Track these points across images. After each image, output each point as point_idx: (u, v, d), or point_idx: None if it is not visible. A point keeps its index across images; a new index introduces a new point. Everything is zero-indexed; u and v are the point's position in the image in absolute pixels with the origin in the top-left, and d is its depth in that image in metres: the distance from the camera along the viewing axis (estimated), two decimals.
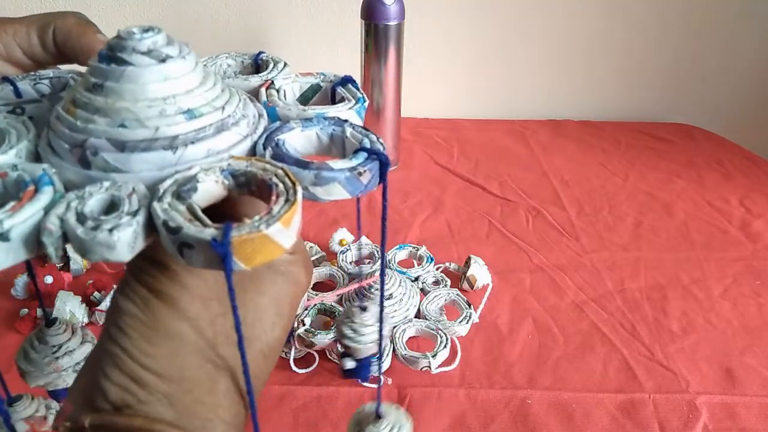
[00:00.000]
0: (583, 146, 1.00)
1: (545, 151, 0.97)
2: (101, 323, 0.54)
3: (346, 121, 0.26)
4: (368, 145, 0.24)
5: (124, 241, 0.19)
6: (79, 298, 0.54)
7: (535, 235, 0.72)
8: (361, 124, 0.27)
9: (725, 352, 0.55)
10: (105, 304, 0.54)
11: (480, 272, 0.61)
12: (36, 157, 0.24)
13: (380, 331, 0.31)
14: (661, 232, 0.74)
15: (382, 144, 0.24)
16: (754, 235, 0.75)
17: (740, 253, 0.71)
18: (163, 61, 0.22)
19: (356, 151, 0.24)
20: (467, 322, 0.54)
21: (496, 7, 1.03)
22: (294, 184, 0.21)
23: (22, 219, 0.19)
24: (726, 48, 1.11)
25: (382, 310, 0.30)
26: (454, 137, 1.00)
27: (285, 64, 0.31)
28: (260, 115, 0.26)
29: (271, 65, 0.31)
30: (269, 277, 0.25)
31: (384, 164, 0.23)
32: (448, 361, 0.51)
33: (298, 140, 0.25)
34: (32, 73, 0.30)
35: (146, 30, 0.23)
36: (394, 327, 0.53)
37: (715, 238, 0.74)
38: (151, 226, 0.20)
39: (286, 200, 0.20)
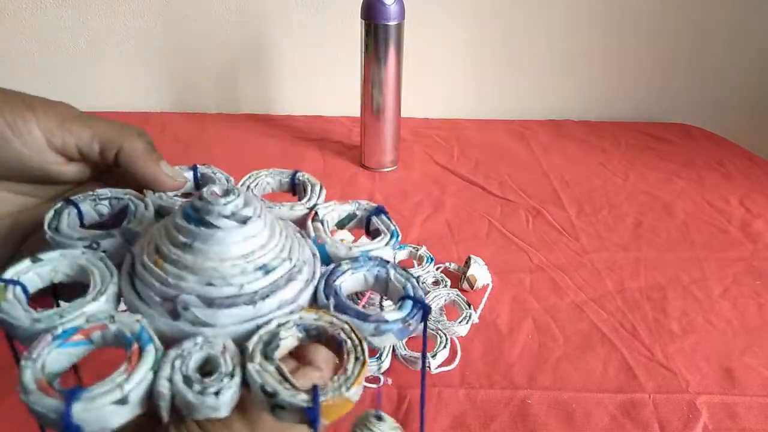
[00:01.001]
0: (583, 146, 1.00)
1: (545, 151, 0.97)
2: None
3: (388, 262, 0.29)
4: (411, 292, 0.27)
5: (226, 402, 0.21)
6: None
7: (535, 235, 0.72)
8: (394, 258, 0.31)
9: (725, 352, 0.55)
10: None
11: (480, 272, 0.61)
12: (118, 297, 0.26)
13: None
14: (661, 232, 0.74)
15: (422, 288, 0.27)
16: (754, 235, 0.75)
17: (740, 253, 0.71)
18: (244, 222, 0.25)
19: (403, 299, 0.27)
20: (467, 323, 0.54)
21: (496, 7, 1.03)
22: (360, 341, 0.24)
23: (137, 381, 0.21)
24: (726, 48, 1.11)
25: None
26: (454, 137, 1.00)
27: (321, 187, 0.34)
28: (314, 255, 0.29)
29: (309, 188, 0.34)
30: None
31: (426, 313, 0.26)
32: (448, 361, 0.51)
33: (350, 282, 0.28)
34: (90, 192, 0.31)
35: (227, 193, 0.25)
36: None
37: (715, 238, 0.74)
38: (243, 382, 0.22)
39: (356, 358, 0.23)
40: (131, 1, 1.00)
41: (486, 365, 0.52)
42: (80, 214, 0.30)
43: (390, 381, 0.49)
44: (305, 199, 0.33)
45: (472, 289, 0.60)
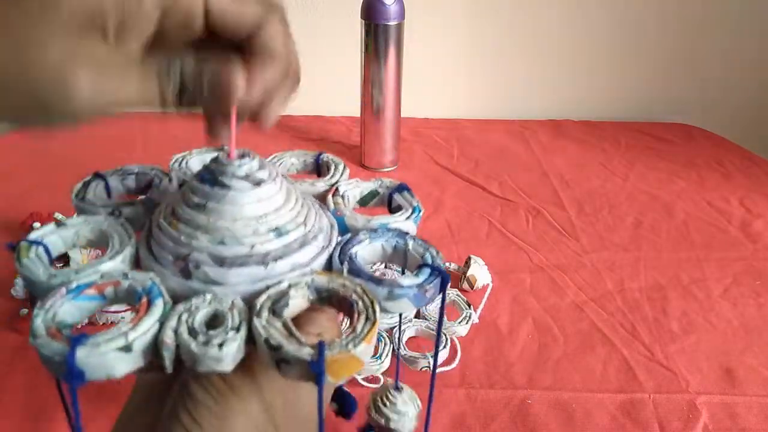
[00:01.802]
0: (583, 146, 1.00)
1: (545, 151, 0.97)
2: (101, 323, 0.54)
3: (407, 233, 0.29)
4: (430, 261, 0.27)
5: (230, 354, 0.21)
6: None
7: (535, 235, 0.72)
8: (415, 232, 0.31)
9: (725, 352, 0.55)
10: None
11: (480, 272, 0.60)
12: (135, 260, 0.26)
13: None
14: (661, 232, 0.74)
15: (441, 257, 0.27)
16: (754, 235, 0.75)
17: (740, 253, 0.71)
18: (257, 184, 0.25)
19: (421, 267, 0.27)
20: (467, 323, 0.54)
21: (496, 7, 1.03)
22: (372, 302, 0.23)
23: (142, 331, 0.21)
24: (726, 48, 1.11)
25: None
26: (454, 137, 1.00)
27: (344, 167, 0.35)
28: (332, 226, 0.29)
29: (332, 167, 0.34)
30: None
31: (445, 281, 0.26)
32: (448, 361, 0.51)
33: (366, 251, 0.28)
34: (119, 167, 0.32)
35: (242, 156, 0.26)
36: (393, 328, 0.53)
37: (715, 238, 0.74)
38: (249, 338, 0.22)
39: (367, 318, 0.23)
40: None
41: (486, 365, 0.52)
42: (108, 187, 0.31)
43: (390, 381, 0.49)
44: (328, 177, 0.34)
45: (472, 289, 0.60)
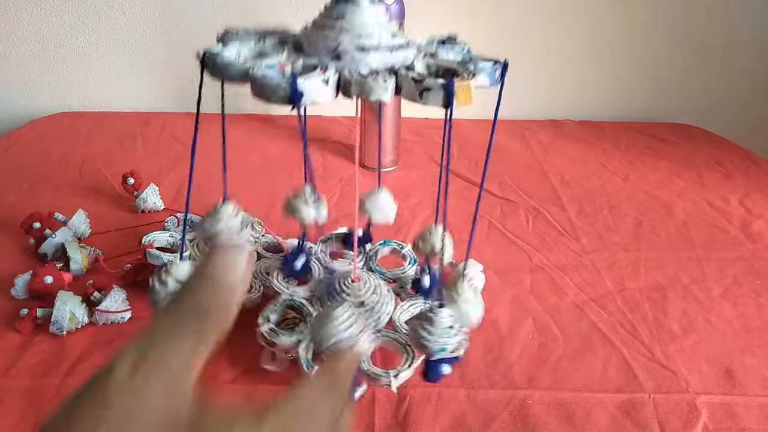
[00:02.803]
0: (583, 146, 1.00)
1: (545, 151, 0.97)
2: (101, 324, 0.54)
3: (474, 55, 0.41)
4: (493, 61, 0.38)
5: (391, 86, 0.34)
6: (79, 298, 0.54)
7: (535, 235, 0.73)
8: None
9: (725, 352, 0.55)
10: (105, 304, 0.54)
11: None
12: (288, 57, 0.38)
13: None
14: (661, 232, 0.74)
15: (498, 60, 0.38)
16: (754, 235, 0.75)
17: (740, 253, 0.71)
18: (375, 3, 0.37)
19: (485, 61, 0.38)
20: None
21: (496, 8, 1.03)
22: (468, 69, 0.35)
23: (331, 73, 0.34)
24: (726, 48, 1.11)
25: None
26: (454, 137, 1.00)
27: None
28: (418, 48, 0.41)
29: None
30: None
31: (505, 66, 0.37)
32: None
33: (449, 55, 0.40)
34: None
35: None
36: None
37: (715, 238, 0.74)
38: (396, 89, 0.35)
39: (468, 72, 0.35)
40: (131, 1, 1.00)
41: (486, 365, 0.52)
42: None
43: (364, 387, 0.48)
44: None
45: None
